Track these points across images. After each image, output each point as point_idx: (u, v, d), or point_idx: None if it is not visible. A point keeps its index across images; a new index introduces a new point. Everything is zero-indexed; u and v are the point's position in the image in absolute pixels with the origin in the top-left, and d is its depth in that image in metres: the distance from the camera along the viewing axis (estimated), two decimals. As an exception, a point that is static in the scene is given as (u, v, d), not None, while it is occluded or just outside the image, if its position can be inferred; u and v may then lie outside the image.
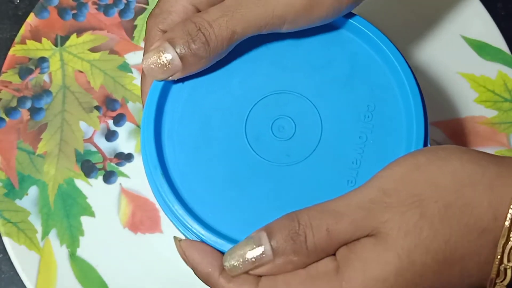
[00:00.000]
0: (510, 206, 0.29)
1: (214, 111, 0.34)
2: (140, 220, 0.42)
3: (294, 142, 0.34)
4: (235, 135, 0.34)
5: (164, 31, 0.34)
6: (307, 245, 0.30)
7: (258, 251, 0.30)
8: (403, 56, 0.35)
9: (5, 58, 0.45)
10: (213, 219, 0.33)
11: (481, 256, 0.29)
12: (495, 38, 0.46)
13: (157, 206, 0.43)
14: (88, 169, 0.43)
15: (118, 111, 0.45)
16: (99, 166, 0.43)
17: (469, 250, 0.29)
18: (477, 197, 0.29)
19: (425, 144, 0.34)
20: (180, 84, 0.35)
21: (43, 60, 0.45)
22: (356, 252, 0.30)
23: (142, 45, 0.46)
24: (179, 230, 0.33)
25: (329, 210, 0.30)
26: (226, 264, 0.31)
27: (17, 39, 0.46)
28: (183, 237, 0.33)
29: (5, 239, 0.42)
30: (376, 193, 0.30)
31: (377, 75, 0.35)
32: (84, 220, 0.42)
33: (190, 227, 0.32)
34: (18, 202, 0.42)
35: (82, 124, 0.44)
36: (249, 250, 0.30)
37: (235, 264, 0.30)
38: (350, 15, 0.36)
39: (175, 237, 0.33)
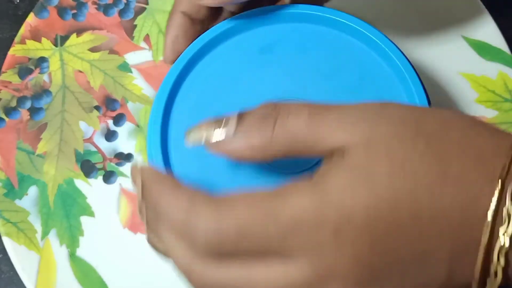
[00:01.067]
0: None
1: None
2: (140, 220, 0.42)
3: None
4: None
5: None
6: (276, 126, 0.26)
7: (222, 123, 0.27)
8: (410, 63, 0.35)
9: (4, 58, 0.45)
10: None
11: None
12: (495, 38, 0.46)
13: (157, 206, 0.43)
14: (88, 169, 0.43)
15: (118, 111, 0.44)
16: (99, 166, 0.43)
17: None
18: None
19: None
20: (185, 93, 0.35)
21: (42, 60, 0.45)
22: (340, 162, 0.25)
23: (142, 45, 0.46)
24: None
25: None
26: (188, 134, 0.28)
27: (16, 39, 0.46)
28: None
29: (5, 239, 0.42)
30: None
31: (385, 82, 0.35)
32: (84, 220, 0.42)
33: None
34: (17, 202, 0.42)
35: (82, 124, 0.44)
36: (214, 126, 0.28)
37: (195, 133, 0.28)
38: (357, 21, 0.35)
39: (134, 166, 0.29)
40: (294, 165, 0.34)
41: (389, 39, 0.35)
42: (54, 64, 0.45)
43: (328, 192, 0.25)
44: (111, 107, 0.45)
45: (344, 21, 0.35)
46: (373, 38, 0.35)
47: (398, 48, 0.35)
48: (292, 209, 0.25)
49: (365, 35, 0.35)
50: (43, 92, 0.45)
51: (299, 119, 0.26)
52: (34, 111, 0.44)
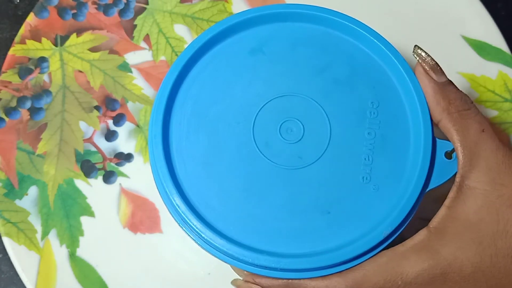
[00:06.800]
0: None
1: (219, 122, 0.34)
2: (140, 220, 0.42)
3: (304, 143, 0.34)
4: (244, 143, 0.34)
5: None
6: None
7: None
8: (399, 52, 0.35)
9: (5, 58, 0.45)
10: (235, 233, 0.33)
11: None
12: (495, 38, 0.46)
13: (157, 206, 0.43)
14: (88, 169, 0.43)
15: (118, 111, 0.45)
16: (99, 166, 0.43)
17: None
18: None
19: (433, 136, 0.34)
20: (182, 100, 0.35)
21: (42, 60, 0.45)
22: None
23: (142, 44, 0.46)
24: (203, 248, 0.33)
25: None
26: None
27: (16, 39, 0.46)
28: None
29: (5, 239, 0.42)
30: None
31: (377, 73, 0.35)
32: (84, 220, 0.42)
33: (214, 243, 0.32)
34: (18, 202, 0.42)
35: (82, 124, 0.44)
36: None
37: None
38: (344, 17, 0.36)
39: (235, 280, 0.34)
40: (297, 161, 0.34)
41: (374, 30, 0.35)
42: (54, 64, 0.45)
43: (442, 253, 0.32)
44: (111, 107, 0.45)
45: (332, 17, 0.36)
46: (362, 31, 0.35)
47: (384, 38, 0.35)
48: (414, 268, 0.31)
49: (354, 30, 0.35)
50: (43, 92, 0.45)
51: None
52: (34, 111, 0.44)
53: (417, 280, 0.31)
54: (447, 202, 0.33)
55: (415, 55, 0.34)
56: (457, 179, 0.33)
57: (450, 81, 0.34)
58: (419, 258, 0.31)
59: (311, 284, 0.32)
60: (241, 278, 0.34)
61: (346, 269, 0.32)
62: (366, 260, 0.32)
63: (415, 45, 0.34)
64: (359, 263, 0.32)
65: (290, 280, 0.33)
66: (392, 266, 0.31)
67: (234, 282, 0.35)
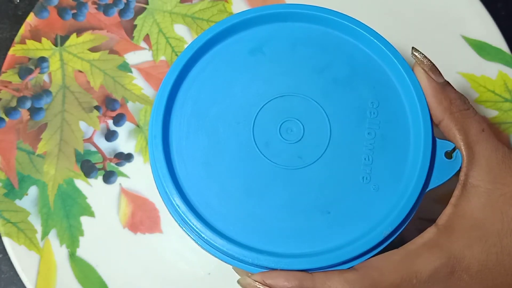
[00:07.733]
0: None
1: (219, 122, 0.34)
2: (140, 220, 0.42)
3: (304, 143, 0.34)
4: (244, 143, 0.34)
5: None
6: None
7: None
8: (399, 52, 0.35)
9: (5, 58, 0.45)
10: (235, 233, 0.33)
11: None
12: (495, 38, 0.46)
13: (157, 206, 0.43)
14: (88, 169, 0.43)
15: (118, 111, 0.45)
16: (99, 166, 0.43)
17: None
18: None
19: (433, 136, 0.34)
20: (182, 100, 0.35)
21: (42, 60, 0.45)
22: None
23: (142, 44, 0.46)
24: (203, 248, 0.33)
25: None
26: None
27: (16, 39, 0.46)
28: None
29: (5, 239, 0.42)
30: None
31: (377, 73, 0.35)
32: (84, 220, 0.42)
33: (214, 243, 0.32)
34: (18, 202, 0.42)
35: (82, 124, 0.44)
36: None
37: None
38: (344, 17, 0.36)
39: (243, 278, 0.33)
40: (297, 161, 0.34)
41: (378, 33, 0.35)
42: (54, 64, 0.45)
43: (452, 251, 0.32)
44: (111, 107, 0.45)
45: (332, 17, 0.36)
46: (362, 31, 0.35)
47: (383, 37, 0.35)
48: (427, 267, 0.32)
49: (354, 30, 0.35)
50: (43, 92, 0.45)
51: None
52: (34, 111, 0.44)
53: (429, 279, 0.31)
54: (452, 200, 0.33)
55: (413, 57, 0.34)
56: (461, 177, 0.33)
57: (448, 81, 0.34)
58: (431, 256, 0.32)
59: (326, 285, 0.32)
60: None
61: (351, 267, 0.32)
62: (377, 259, 0.32)
63: (412, 47, 0.35)
64: (370, 263, 0.32)
65: (303, 278, 0.32)
66: (407, 265, 0.32)
67: (242, 280, 0.34)
